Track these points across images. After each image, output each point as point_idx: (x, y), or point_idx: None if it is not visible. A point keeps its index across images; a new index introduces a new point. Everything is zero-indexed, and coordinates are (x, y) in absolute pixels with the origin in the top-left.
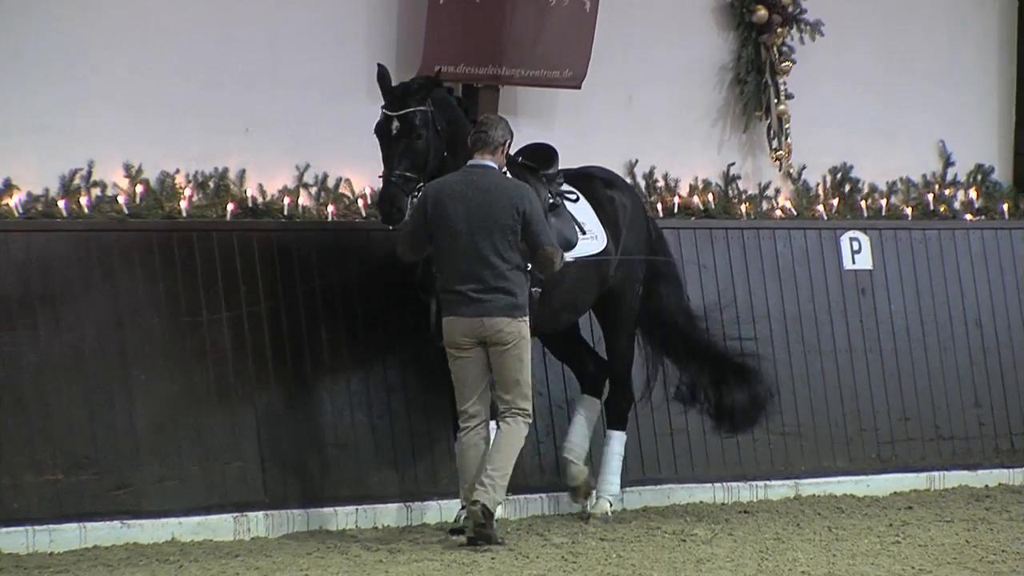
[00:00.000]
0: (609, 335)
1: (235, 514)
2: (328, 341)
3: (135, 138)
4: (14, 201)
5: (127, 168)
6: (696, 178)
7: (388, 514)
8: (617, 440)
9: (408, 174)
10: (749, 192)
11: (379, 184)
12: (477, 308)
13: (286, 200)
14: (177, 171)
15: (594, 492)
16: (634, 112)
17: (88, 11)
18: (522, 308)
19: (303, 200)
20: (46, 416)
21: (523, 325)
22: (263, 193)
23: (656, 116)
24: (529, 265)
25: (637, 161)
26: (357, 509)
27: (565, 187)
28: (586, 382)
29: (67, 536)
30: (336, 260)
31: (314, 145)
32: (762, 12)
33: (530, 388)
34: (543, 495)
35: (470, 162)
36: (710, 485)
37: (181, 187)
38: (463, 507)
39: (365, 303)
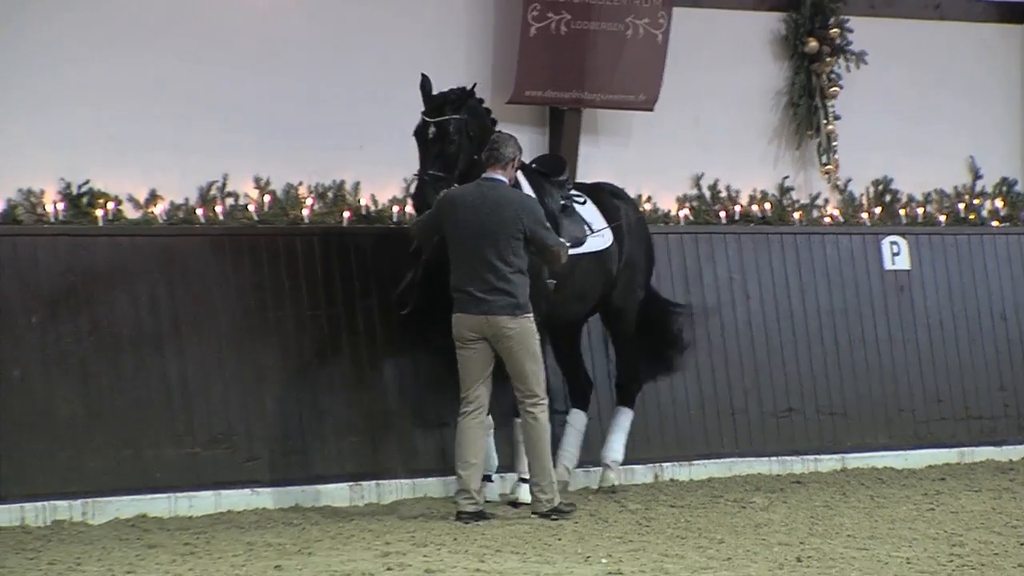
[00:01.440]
0: (615, 331)
1: (350, 483)
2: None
3: (264, 154)
4: (158, 209)
5: (257, 180)
6: (755, 189)
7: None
8: (625, 416)
9: (440, 174)
10: (801, 202)
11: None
12: (482, 307)
13: (395, 208)
14: (300, 183)
15: (603, 462)
16: (700, 131)
17: (224, 44)
18: (523, 307)
19: (409, 208)
20: (186, 396)
21: (525, 321)
22: (375, 202)
23: (719, 135)
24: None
25: (703, 174)
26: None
27: (573, 192)
28: (577, 397)
29: (204, 502)
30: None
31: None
32: (813, 44)
33: (542, 375)
34: (620, 466)
35: (483, 175)
36: (767, 459)
37: (303, 197)
38: (457, 477)
39: None
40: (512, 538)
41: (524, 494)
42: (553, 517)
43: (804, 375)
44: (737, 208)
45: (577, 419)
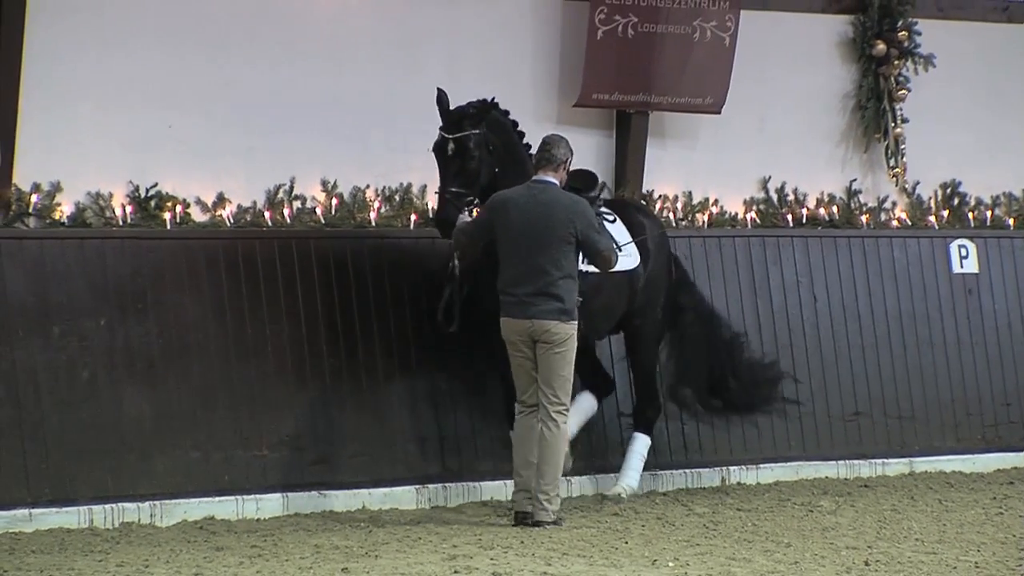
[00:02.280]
0: (633, 352)
1: (416, 486)
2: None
3: (331, 157)
4: (226, 212)
5: (324, 183)
6: (822, 192)
7: None
8: (641, 442)
9: (461, 190)
10: (869, 205)
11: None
12: (529, 311)
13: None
14: (367, 186)
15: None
16: (767, 134)
17: (291, 47)
18: (570, 312)
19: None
20: (253, 399)
21: (570, 327)
22: None
23: (786, 138)
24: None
25: (770, 177)
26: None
27: (604, 209)
28: (587, 385)
29: (271, 505)
30: None
31: None
32: (881, 46)
33: (570, 385)
34: (686, 470)
35: (534, 178)
36: (834, 462)
37: (371, 200)
38: (516, 475)
39: None
40: (579, 541)
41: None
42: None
43: (871, 378)
44: (804, 211)
45: (583, 400)
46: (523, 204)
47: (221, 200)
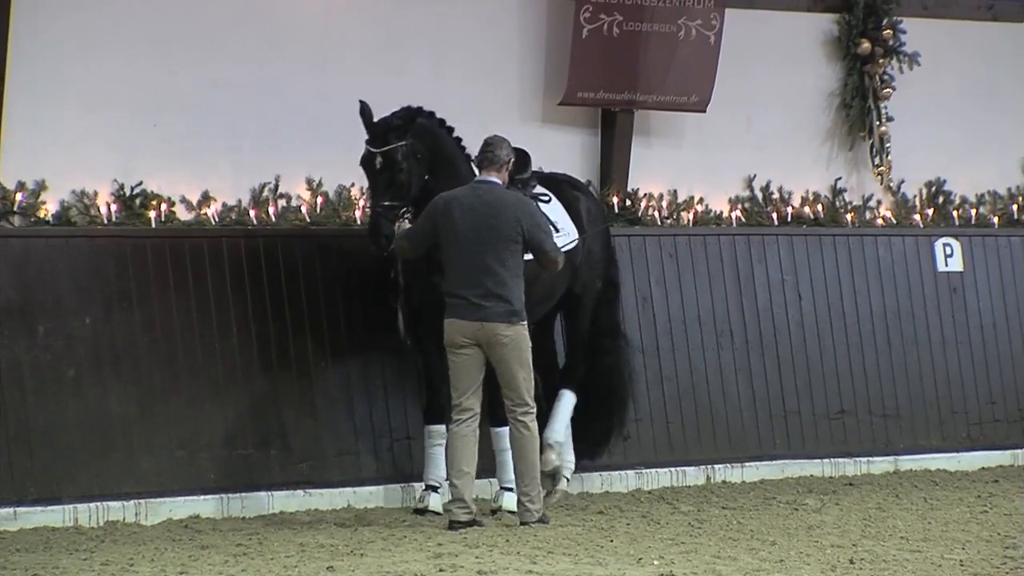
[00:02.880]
0: (571, 320)
1: (402, 484)
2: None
3: (316, 156)
4: (211, 211)
5: (309, 182)
6: (807, 191)
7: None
8: (568, 398)
9: (392, 203)
10: (854, 203)
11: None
12: (477, 313)
13: None
14: (352, 184)
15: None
16: (752, 133)
17: (277, 46)
18: (519, 313)
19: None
20: (239, 397)
21: (520, 328)
22: None
23: (772, 136)
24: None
25: (755, 176)
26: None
27: (538, 189)
28: (559, 380)
29: (256, 503)
30: None
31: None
32: (866, 45)
33: (531, 384)
34: (671, 469)
35: (477, 178)
36: (819, 460)
37: (356, 198)
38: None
39: None
40: (564, 539)
41: (508, 502)
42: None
43: (856, 377)
44: (789, 209)
45: (567, 397)
46: (468, 204)
47: (206, 199)
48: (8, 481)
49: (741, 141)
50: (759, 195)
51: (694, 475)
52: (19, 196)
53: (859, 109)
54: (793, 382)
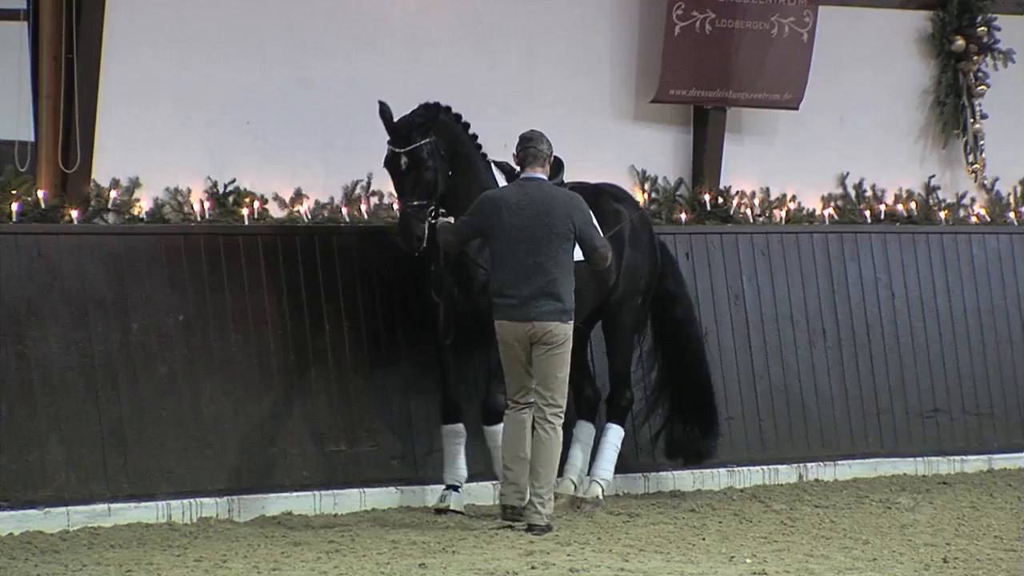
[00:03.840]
0: (610, 341)
1: (494, 481)
2: None
3: None
4: (303, 208)
5: None
6: (900, 188)
7: (630, 482)
8: (615, 433)
9: (421, 203)
10: (947, 201)
11: None
12: (529, 312)
13: None
14: None
15: (588, 477)
16: (845, 130)
17: (369, 43)
18: (569, 312)
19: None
20: (330, 394)
21: (569, 327)
22: None
23: (864, 134)
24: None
25: (848, 173)
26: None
27: None
28: (582, 407)
29: (349, 500)
30: None
31: (565, 158)
32: (960, 42)
33: (566, 387)
34: (764, 467)
35: (523, 175)
36: (912, 459)
37: None
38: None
39: None
40: (656, 537)
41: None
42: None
43: (950, 375)
44: (882, 207)
45: (585, 432)
46: (517, 203)
47: (299, 196)
48: (102, 478)
49: (834, 138)
50: (852, 193)
51: (786, 473)
52: (113, 194)
53: (953, 106)
54: (886, 380)
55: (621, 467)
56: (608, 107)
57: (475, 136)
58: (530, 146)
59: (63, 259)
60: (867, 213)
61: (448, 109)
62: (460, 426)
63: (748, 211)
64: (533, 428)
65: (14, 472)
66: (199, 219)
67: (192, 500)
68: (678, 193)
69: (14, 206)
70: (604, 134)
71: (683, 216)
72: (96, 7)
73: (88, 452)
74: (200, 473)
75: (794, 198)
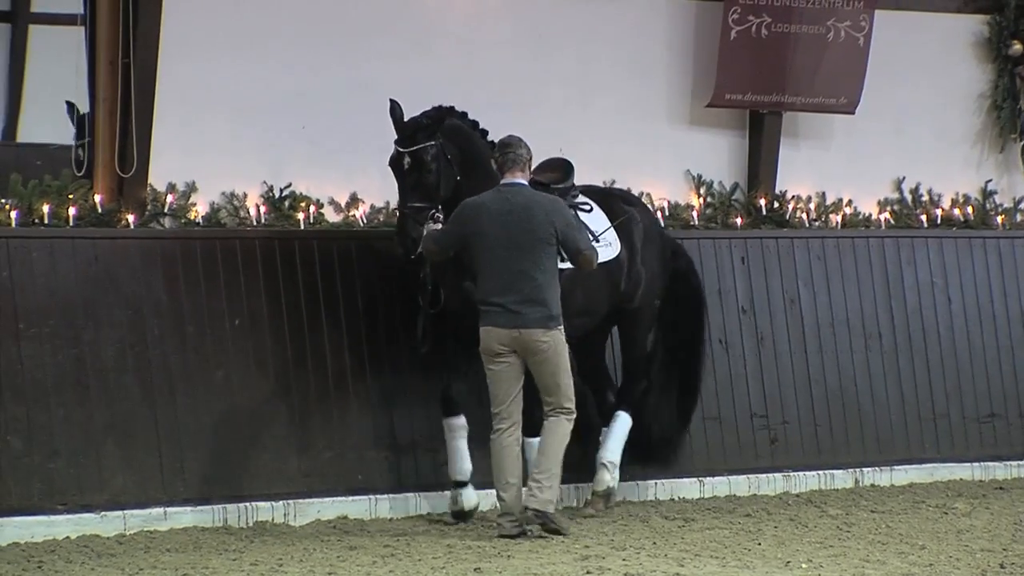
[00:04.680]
0: (626, 342)
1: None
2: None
3: None
4: (359, 212)
5: None
6: (957, 193)
7: (683, 488)
8: (623, 423)
9: (421, 204)
10: (1004, 205)
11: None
12: (514, 320)
13: None
14: None
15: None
16: (901, 135)
17: (425, 46)
18: (556, 318)
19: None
20: (385, 398)
21: (558, 333)
22: None
23: (921, 138)
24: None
25: (904, 178)
26: (656, 483)
27: (580, 199)
28: (606, 415)
29: (404, 504)
30: None
31: (619, 163)
32: (1018, 46)
33: (572, 388)
34: (819, 472)
35: (503, 181)
36: (969, 464)
37: None
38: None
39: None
40: (711, 542)
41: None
42: (528, 531)
43: (1007, 379)
44: (938, 212)
45: (621, 419)
46: (496, 210)
47: (354, 200)
48: (158, 481)
49: (890, 143)
50: (908, 197)
51: (842, 478)
52: (169, 198)
53: (1010, 111)
54: (943, 385)
55: (675, 472)
56: (664, 111)
57: (492, 143)
58: (509, 151)
59: (120, 263)
60: (923, 218)
61: (464, 114)
62: (461, 419)
63: (804, 216)
64: (545, 422)
65: (71, 476)
66: (255, 223)
67: (248, 504)
68: (734, 198)
69: (71, 210)
70: (659, 138)
71: (738, 221)
72: (153, 12)
73: (144, 456)
74: (256, 477)
75: (850, 203)
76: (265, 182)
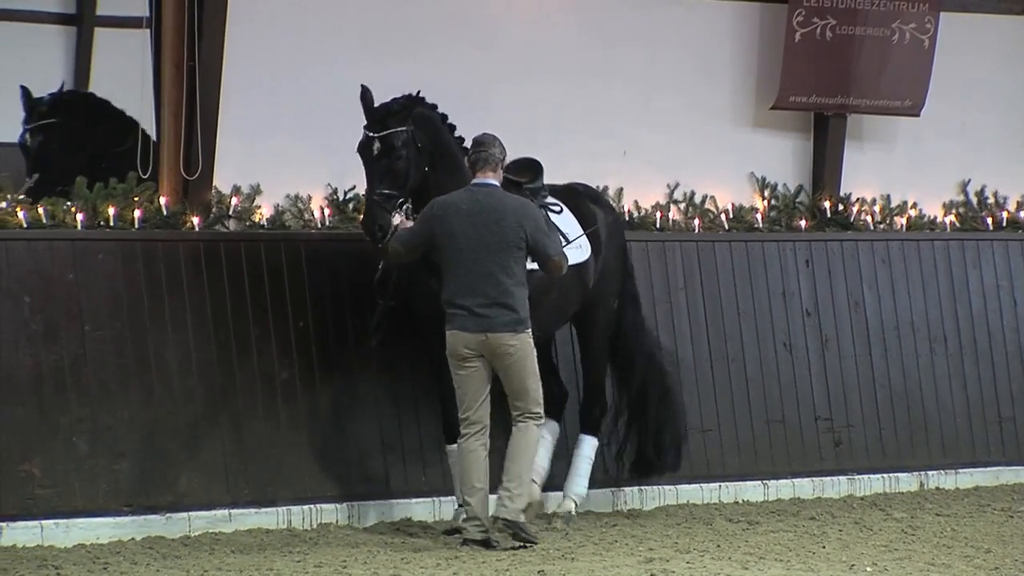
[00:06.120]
0: (585, 346)
1: (612, 489)
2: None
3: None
4: None
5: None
6: (1022, 195)
7: (747, 490)
8: (588, 444)
9: (389, 192)
10: None
11: None
12: (481, 323)
13: (658, 215)
14: None
15: (563, 494)
16: (966, 137)
17: (490, 48)
18: (524, 321)
19: (673, 214)
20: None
21: (526, 336)
22: (638, 208)
23: (986, 140)
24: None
25: (969, 180)
26: (720, 486)
27: (549, 200)
28: (550, 405)
29: None
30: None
31: (683, 165)
32: None
33: (540, 393)
34: (884, 475)
35: (474, 181)
36: None
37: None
38: (459, 506)
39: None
40: (776, 545)
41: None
42: (495, 542)
43: None
44: (1004, 214)
45: (550, 429)
46: (467, 210)
47: None
48: (223, 483)
49: (955, 145)
50: (973, 200)
51: (907, 481)
52: (234, 200)
53: None
54: (1008, 388)
55: (739, 474)
56: (728, 114)
57: (461, 139)
58: (481, 150)
59: (185, 265)
60: (988, 220)
61: (434, 106)
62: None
63: (868, 218)
64: (514, 428)
65: (136, 478)
66: (319, 226)
67: (312, 506)
68: (798, 200)
69: (136, 213)
70: (723, 140)
71: (803, 223)
72: (218, 15)
73: (209, 458)
74: (320, 479)
75: (915, 205)
76: (329, 184)
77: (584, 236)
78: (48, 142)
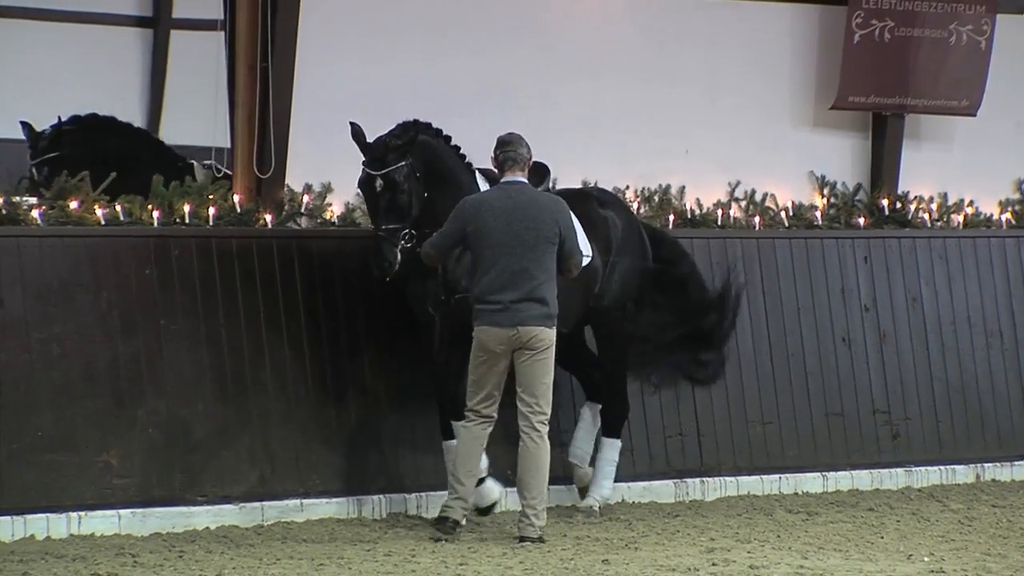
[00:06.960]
0: (603, 350)
1: (675, 480)
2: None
3: (592, 158)
4: None
5: (584, 183)
6: None
7: (807, 482)
8: (611, 448)
9: (395, 226)
10: None
11: None
12: (513, 317)
13: (719, 212)
14: (627, 187)
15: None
16: (1021, 136)
17: (552, 48)
18: (554, 317)
19: (734, 212)
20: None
21: (552, 332)
22: (700, 206)
23: None
24: None
25: None
26: (780, 477)
27: None
28: (590, 390)
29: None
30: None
31: (743, 164)
32: None
33: (551, 395)
34: (941, 467)
35: (504, 179)
36: None
37: (631, 200)
38: (456, 484)
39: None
40: (835, 536)
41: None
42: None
43: None
44: None
45: (591, 411)
46: (500, 207)
47: None
48: (295, 473)
49: (1011, 144)
50: None
51: (964, 473)
52: (306, 198)
53: None
54: None
55: (798, 466)
56: (787, 113)
57: (458, 148)
58: (509, 150)
59: (258, 262)
60: None
61: (428, 125)
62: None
63: (926, 216)
64: (519, 438)
65: (210, 469)
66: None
67: (382, 496)
68: (856, 198)
69: (210, 210)
70: (783, 140)
71: (861, 221)
72: (290, 17)
73: (280, 449)
74: (389, 469)
75: (971, 203)
76: None
77: (585, 238)
78: (53, 174)
